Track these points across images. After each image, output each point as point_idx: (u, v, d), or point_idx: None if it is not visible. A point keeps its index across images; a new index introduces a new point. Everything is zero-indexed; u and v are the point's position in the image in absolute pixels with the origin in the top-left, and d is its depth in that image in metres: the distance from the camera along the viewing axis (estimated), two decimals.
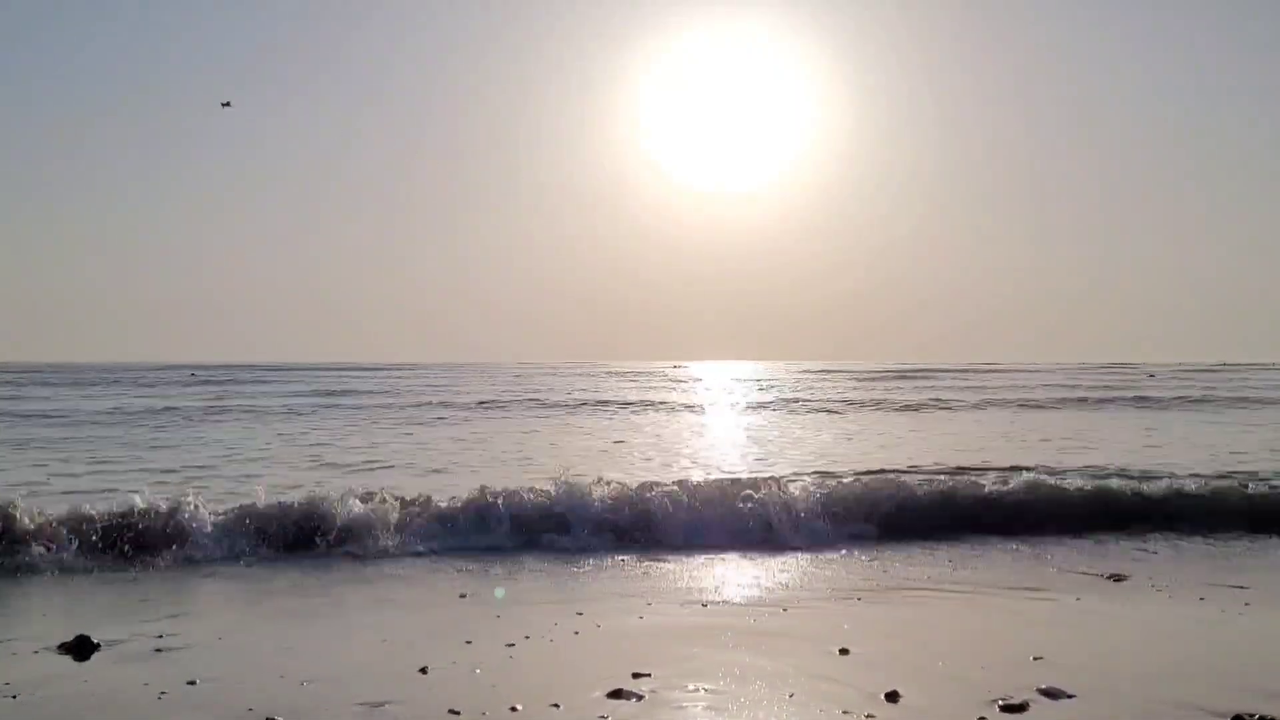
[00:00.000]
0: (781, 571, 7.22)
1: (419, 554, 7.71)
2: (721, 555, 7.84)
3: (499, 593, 6.45)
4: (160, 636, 5.31)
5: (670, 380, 58.25)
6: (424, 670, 4.66)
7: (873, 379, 56.49)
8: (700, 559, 7.69)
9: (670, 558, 7.69)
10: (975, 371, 78.79)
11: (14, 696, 4.32)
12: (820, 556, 7.77)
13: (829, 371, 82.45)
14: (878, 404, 30.87)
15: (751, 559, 7.71)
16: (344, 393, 36.55)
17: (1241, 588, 6.63)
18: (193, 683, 4.49)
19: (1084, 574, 7.07)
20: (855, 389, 42.24)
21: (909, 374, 68.30)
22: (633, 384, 49.84)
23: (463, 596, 6.39)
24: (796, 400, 32.94)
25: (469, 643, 5.15)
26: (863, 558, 7.74)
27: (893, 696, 4.27)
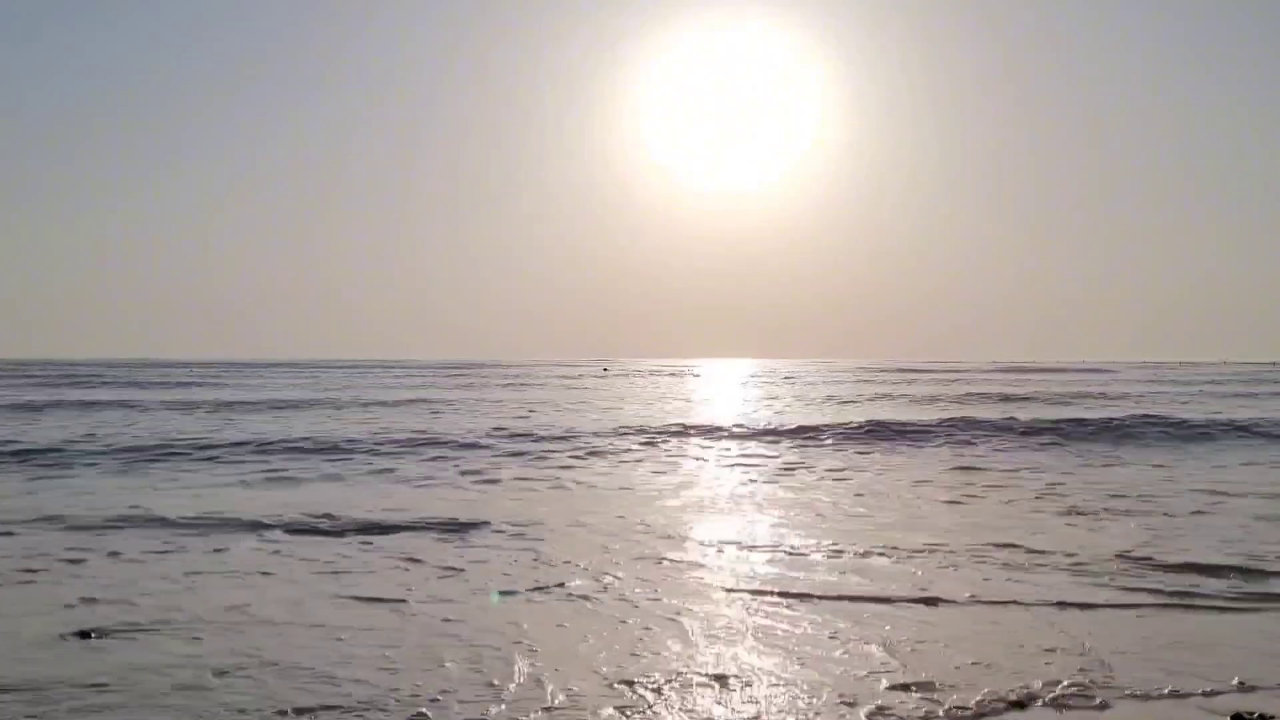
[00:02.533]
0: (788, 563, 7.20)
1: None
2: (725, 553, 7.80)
3: (494, 598, 6.42)
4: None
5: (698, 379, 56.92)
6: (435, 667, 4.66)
7: (936, 382, 48.98)
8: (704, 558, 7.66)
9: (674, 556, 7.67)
10: (1022, 371, 71.91)
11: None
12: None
13: (870, 370, 76.27)
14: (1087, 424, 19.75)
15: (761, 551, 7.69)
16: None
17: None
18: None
19: None
20: (971, 403, 29.71)
21: (946, 375, 62.20)
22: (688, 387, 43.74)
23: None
24: (1000, 426, 19.54)
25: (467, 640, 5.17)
26: None
27: (895, 693, 4.29)
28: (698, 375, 69.51)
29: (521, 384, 47.80)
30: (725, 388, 46.21)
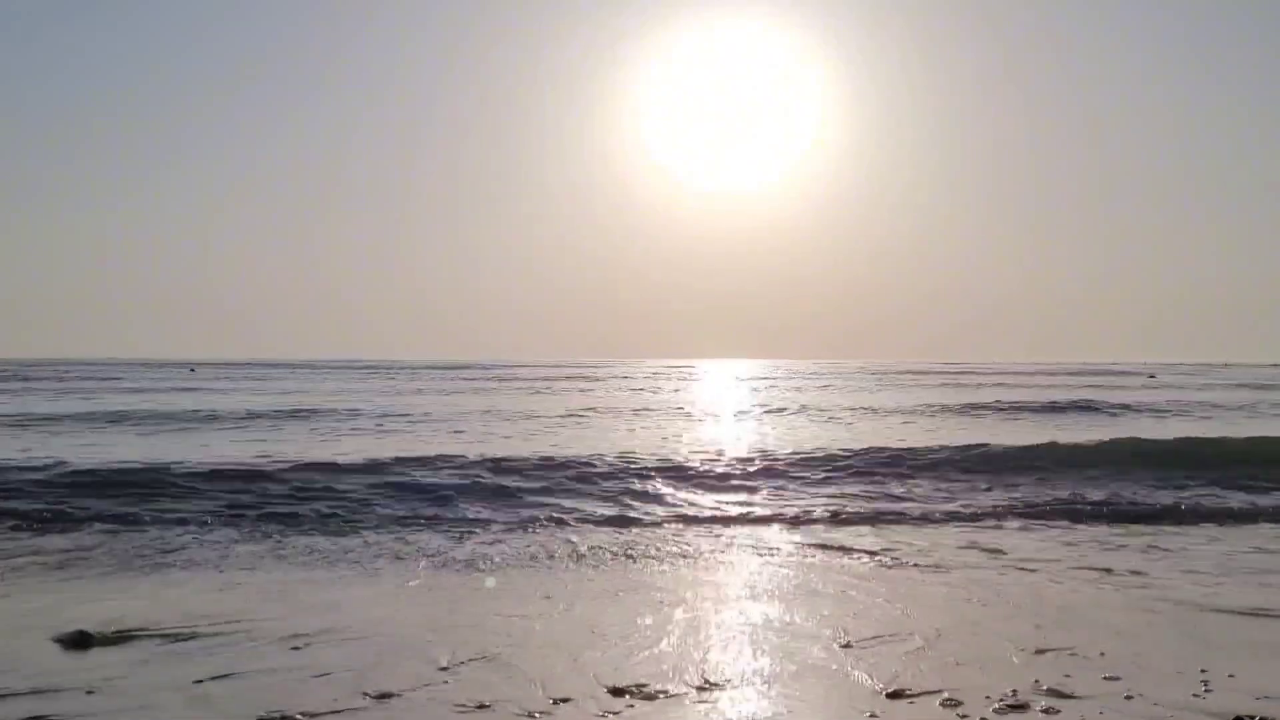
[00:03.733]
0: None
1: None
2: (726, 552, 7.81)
3: (489, 582, 6.41)
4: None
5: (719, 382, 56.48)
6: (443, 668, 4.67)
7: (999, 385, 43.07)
8: (703, 555, 7.67)
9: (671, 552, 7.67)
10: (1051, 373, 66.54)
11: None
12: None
13: (887, 371, 73.42)
14: None
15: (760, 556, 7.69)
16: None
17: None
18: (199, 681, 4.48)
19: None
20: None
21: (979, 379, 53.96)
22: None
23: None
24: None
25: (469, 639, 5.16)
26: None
27: (895, 694, 4.29)
28: (722, 376, 69.29)
29: (619, 383, 44.51)
30: (795, 393, 38.43)
